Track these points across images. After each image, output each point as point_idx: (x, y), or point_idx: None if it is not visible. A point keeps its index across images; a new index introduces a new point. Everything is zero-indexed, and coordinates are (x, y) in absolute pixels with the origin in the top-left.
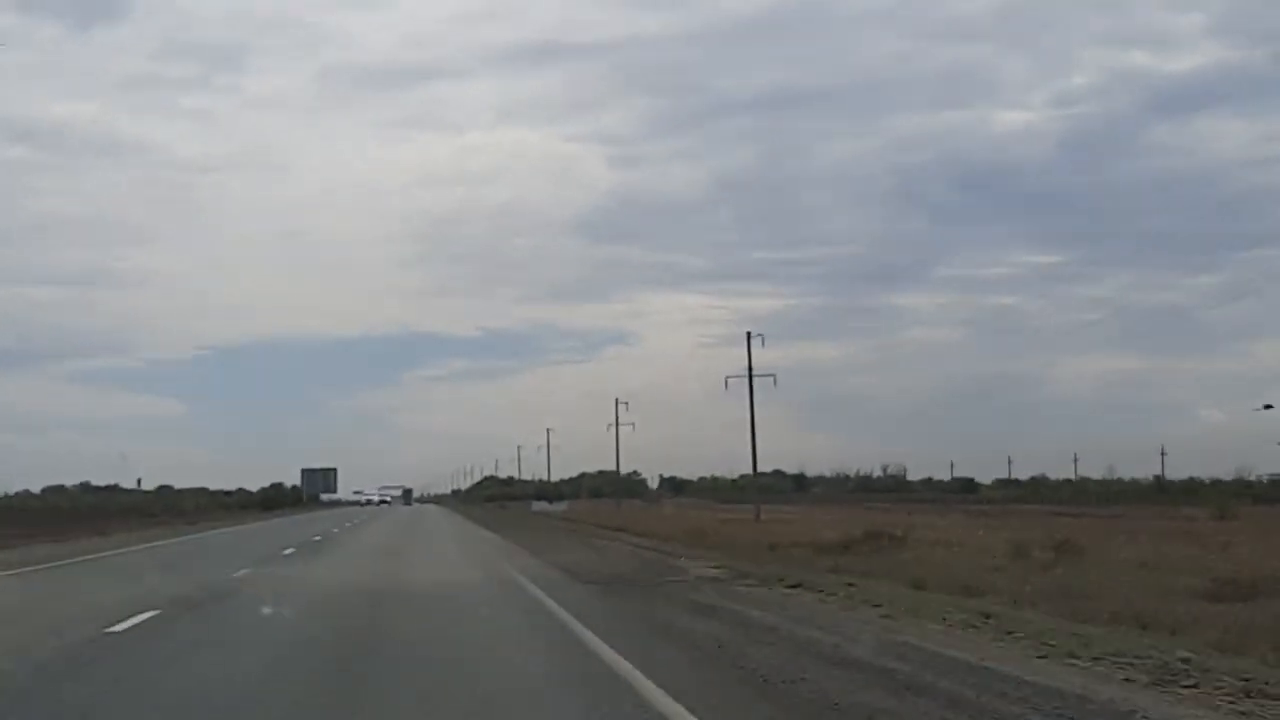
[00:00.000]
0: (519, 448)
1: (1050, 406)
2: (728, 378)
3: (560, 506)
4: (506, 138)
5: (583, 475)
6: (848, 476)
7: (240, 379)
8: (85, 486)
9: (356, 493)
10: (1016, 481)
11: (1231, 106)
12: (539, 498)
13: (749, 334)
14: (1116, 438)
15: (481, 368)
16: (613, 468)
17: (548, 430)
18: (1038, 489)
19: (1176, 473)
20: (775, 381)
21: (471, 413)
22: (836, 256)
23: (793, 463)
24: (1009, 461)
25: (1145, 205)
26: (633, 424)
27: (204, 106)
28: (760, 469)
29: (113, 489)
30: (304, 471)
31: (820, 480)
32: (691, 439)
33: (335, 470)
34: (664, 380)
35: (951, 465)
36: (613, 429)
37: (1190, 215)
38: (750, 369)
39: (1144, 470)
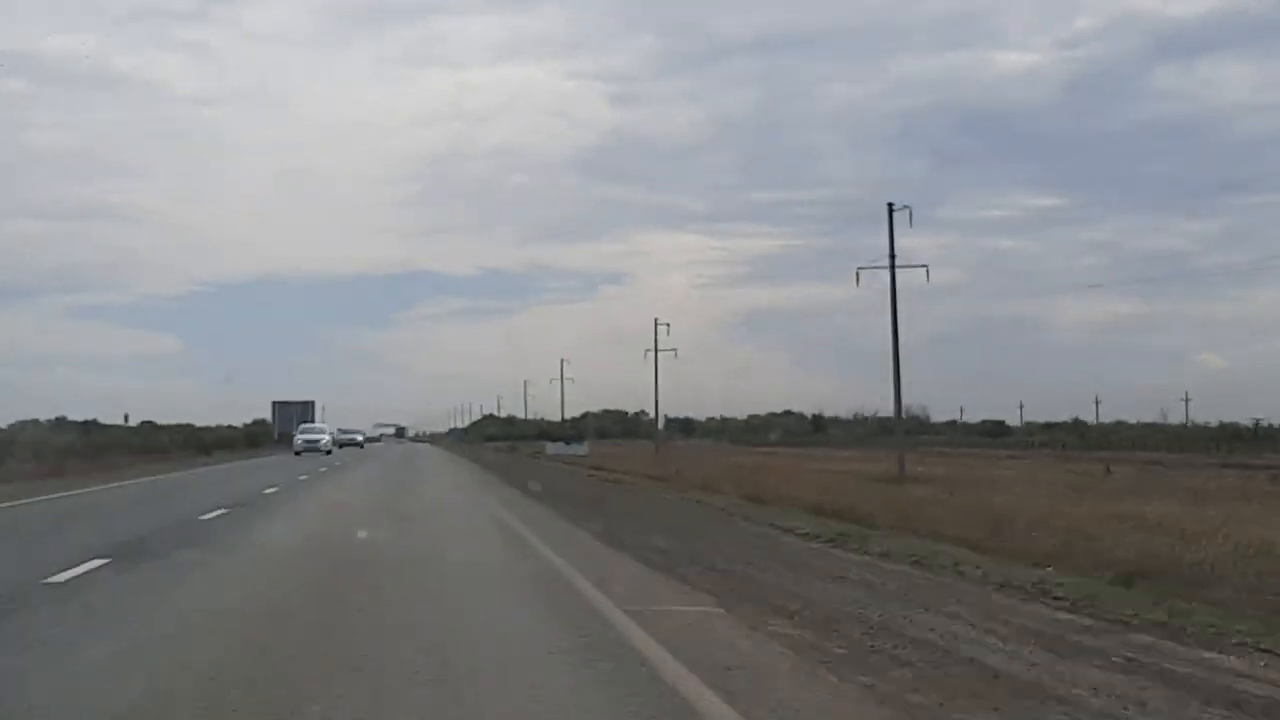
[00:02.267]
0: (525, 383)
1: (1049, 350)
2: (859, 269)
3: (580, 449)
4: (507, 75)
5: (586, 415)
6: (865, 418)
7: (237, 316)
8: (60, 421)
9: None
10: (1060, 425)
11: (1236, 50)
12: (546, 437)
13: (890, 206)
14: (1118, 382)
15: (479, 307)
16: (619, 408)
17: (561, 362)
18: (1083, 433)
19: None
20: (928, 275)
21: (469, 352)
22: (836, 198)
23: (782, 403)
24: (1020, 405)
25: (1147, 149)
26: (674, 350)
27: (202, 40)
28: (770, 410)
29: (90, 424)
30: (276, 405)
31: (836, 422)
32: (690, 379)
33: (313, 404)
34: (661, 320)
35: (1023, 408)
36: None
37: (1192, 160)
38: (893, 255)
39: (1145, 414)
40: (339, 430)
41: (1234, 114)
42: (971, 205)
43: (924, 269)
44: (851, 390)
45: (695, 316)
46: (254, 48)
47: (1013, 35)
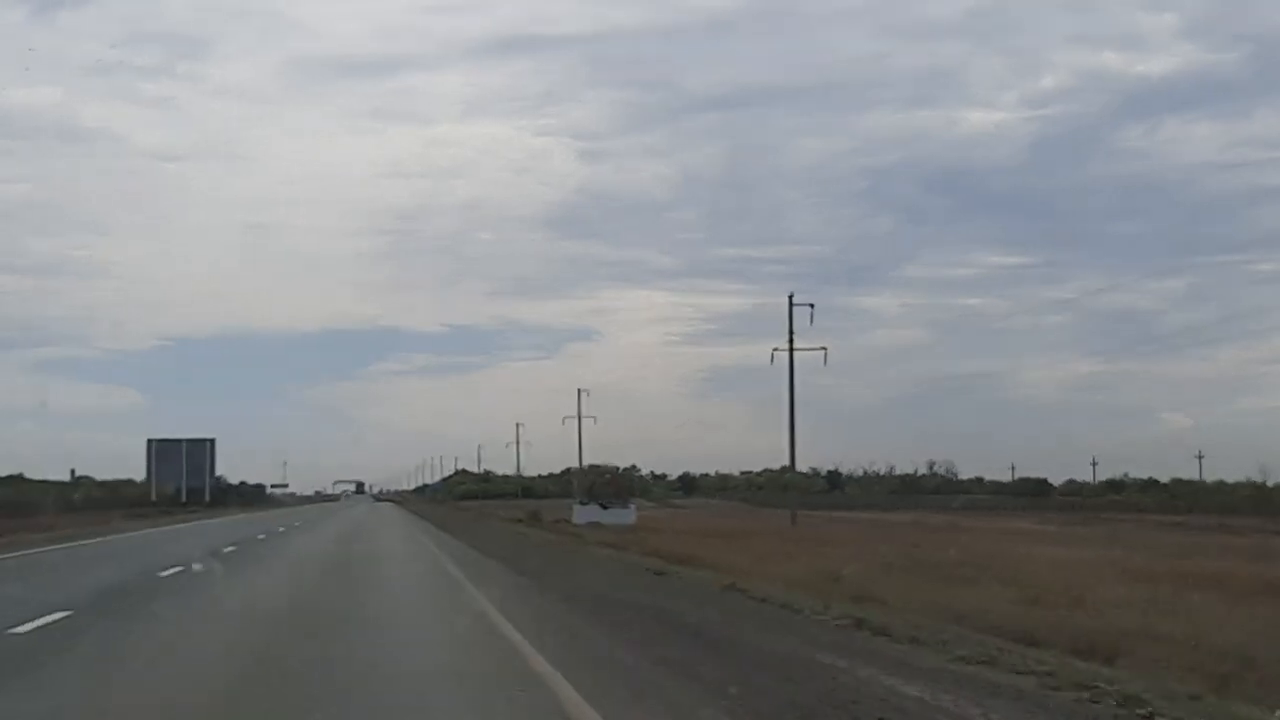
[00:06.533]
0: (518, 425)
1: (1018, 407)
2: None
3: (627, 518)
4: (475, 131)
5: (566, 471)
6: (879, 475)
7: (200, 371)
8: None
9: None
10: (1119, 483)
11: (1202, 109)
12: (530, 495)
13: None
14: (1091, 439)
15: (446, 363)
16: (600, 464)
17: (579, 392)
18: (1146, 493)
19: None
20: None
21: (435, 408)
22: (804, 256)
23: (755, 460)
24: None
25: (1113, 208)
26: (822, 355)
27: (168, 95)
28: (766, 466)
29: (15, 479)
30: (153, 444)
31: (849, 480)
32: (661, 436)
33: (212, 441)
34: (631, 377)
35: (1070, 465)
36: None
37: (1158, 219)
38: None
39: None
40: None
41: (1200, 173)
42: (936, 264)
43: None
44: (833, 446)
45: (662, 374)
46: (220, 102)
47: (980, 93)
